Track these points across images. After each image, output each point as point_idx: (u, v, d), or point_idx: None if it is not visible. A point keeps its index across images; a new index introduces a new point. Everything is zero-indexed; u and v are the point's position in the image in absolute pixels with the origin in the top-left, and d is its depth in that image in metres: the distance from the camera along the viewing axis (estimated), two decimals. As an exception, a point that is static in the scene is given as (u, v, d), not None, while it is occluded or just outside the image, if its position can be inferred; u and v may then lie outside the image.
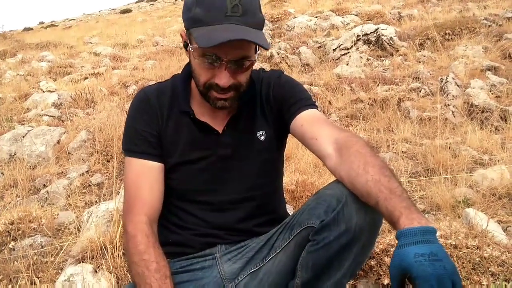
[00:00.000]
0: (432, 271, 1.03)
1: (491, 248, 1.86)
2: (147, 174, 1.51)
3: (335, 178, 1.39)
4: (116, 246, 2.35)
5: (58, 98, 5.96)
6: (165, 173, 1.55)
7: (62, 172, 3.95)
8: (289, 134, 1.62)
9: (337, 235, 1.31)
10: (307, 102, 1.55)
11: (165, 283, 1.36)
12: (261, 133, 1.59)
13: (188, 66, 1.58)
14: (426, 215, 2.51)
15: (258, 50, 1.45)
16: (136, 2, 46.23)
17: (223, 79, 1.37)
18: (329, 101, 4.84)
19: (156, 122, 1.54)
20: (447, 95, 4.35)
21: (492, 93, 4.30)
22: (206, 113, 1.56)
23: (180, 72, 1.64)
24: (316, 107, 1.56)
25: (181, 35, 1.49)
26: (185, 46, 1.46)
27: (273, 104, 1.59)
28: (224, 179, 1.57)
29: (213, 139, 1.55)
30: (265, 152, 1.60)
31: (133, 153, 1.53)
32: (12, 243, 2.75)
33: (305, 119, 1.50)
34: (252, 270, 1.54)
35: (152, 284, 1.35)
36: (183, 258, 1.59)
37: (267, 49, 1.38)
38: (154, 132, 1.53)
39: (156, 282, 1.35)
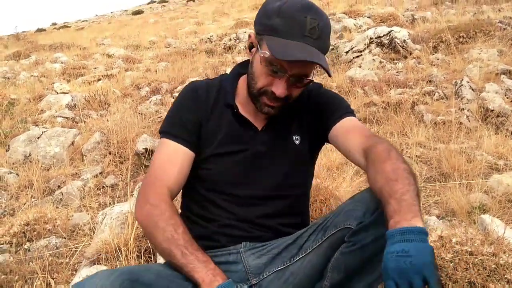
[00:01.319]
0: (394, 266, 1.08)
1: (507, 255, 1.85)
2: (177, 156, 1.56)
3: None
4: (130, 249, 2.36)
5: (72, 99, 6.02)
6: (199, 163, 1.60)
7: (76, 173, 3.99)
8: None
9: (374, 237, 1.33)
10: (343, 110, 1.62)
11: (194, 243, 1.39)
12: (296, 137, 1.66)
13: (238, 67, 1.72)
14: (441, 220, 2.49)
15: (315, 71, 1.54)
16: (148, 3, 46.43)
17: (280, 89, 1.45)
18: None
19: (200, 111, 1.61)
20: (462, 99, 4.32)
21: (507, 98, 4.25)
22: (248, 111, 1.63)
23: (227, 73, 1.75)
24: (352, 114, 1.63)
25: (250, 36, 1.56)
26: (250, 47, 1.55)
27: (312, 111, 1.67)
28: (255, 175, 1.61)
29: (251, 135, 1.61)
30: (298, 155, 1.65)
31: (169, 135, 1.59)
32: (28, 244, 2.79)
33: (339, 131, 1.58)
34: (279, 268, 1.54)
35: (184, 244, 1.36)
36: (207, 251, 1.59)
37: (330, 76, 1.56)
38: (196, 120, 1.60)
39: (187, 242, 1.37)
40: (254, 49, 1.51)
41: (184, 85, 1.74)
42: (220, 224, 1.59)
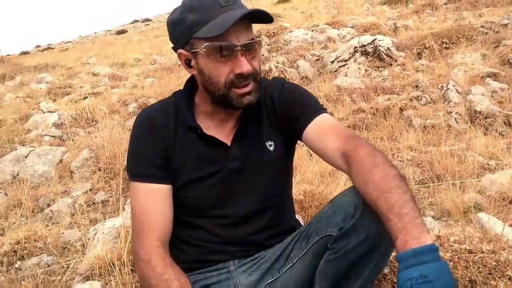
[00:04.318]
0: None
1: (506, 252, 1.84)
2: (155, 198, 1.48)
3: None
4: (124, 263, 2.32)
5: (59, 118, 5.96)
6: (176, 192, 1.52)
7: (66, 191, 3.93)
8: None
9: (357, 242, 1.29)
10: (312, 109, 1.53)
11: None
12: (270, 143, 1.57)
13: (190, 82, 1.58)
14: (437, 221, 2.48)
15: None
16: (131, 23, 46.60)
17: (244, 65, 1.36)
18: (331, 113, 4.84)
19: (162, 142, 1.51)
20: (449, 102, 4.35)
21: (494, 99, 4.30)
22: (212, 127, 1.54)
23: (181, 89, 1.61)
24: (323, 111, 1.53)
25: (179, 55, 1.47)
26: (188, 63, 1.46)
27: (279, 115, 1.57)
28: (236, 192, 1.54)
29: (222, 152, 1.53)
30: (275, 161, 1.58)
31: (138, 177, 1.49)
32: (19, 262, 2.73)
33: (313, 133, 1.48)
34: (269, 281, 1.51)
35: None
36: (196, 272, 1.56)
37: (272, 21, 1.40)
38: (160, 152, 1.50)
39: None
40: (193, 61, 1.43)
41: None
42: (205, 248, 1.55)
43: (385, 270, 1.93)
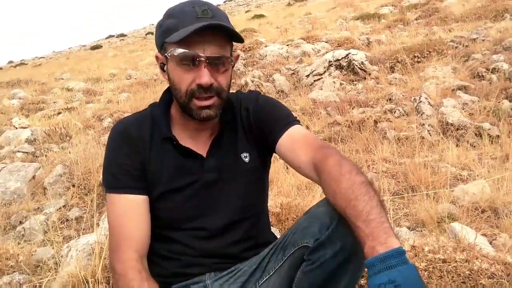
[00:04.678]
0: None
1: (479, 261, 1.87)
2: (132, 209, 1.46)
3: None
4: (98, 280, 2.28)
5: (32, 134, 5.86)
6: (151, 204, 1.50)
7: (39, 207, 3.85)
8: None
9: (333, 253, 1.29)
10: (285, 121, 1.54)
11: None
12: (245, 155, 1.58)
13: (166, 93, 1.58)
14: (412, 232, 2.51)
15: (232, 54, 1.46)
16: (106, 38, 46.33)
17: (204, 77, 1.36)
18: (306, 126, 4.87)
19: (138, 153, 1.50)
20: (421, 114, 4.43)
21: (465, 111, 4.39)
22: (188, 137, 1.54)
23: (157, 101, 1.61)
24: (295, 122, 1.54)
25: (157, 57, 1.49)
26: (162, 67, 1.47)
27: (254, 127, 1.58)
28: (211, 204, 1.54)
29: (198, 164, 1.52)
30: (250, 173, 1.59)
31: (115, 189, 1.47)
32: (-11, 282, 2.65)
33: (285, 145, 1.49)
34: None
35: None
36: (174, 286, 1.54)
37: (242, 41, 1.41)
38: (137, 164, 1.49)
39: None
40: (166, 66, 1.45)
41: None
42: (181, 261, 1.53)
43: (361, 281, 1.94)
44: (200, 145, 1.54)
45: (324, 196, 1.37)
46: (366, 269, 1.11)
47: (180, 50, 1.34)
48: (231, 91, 1.55)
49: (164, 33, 1.40)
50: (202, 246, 1.53)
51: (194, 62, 1.36)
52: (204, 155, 1.53)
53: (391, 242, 1.08)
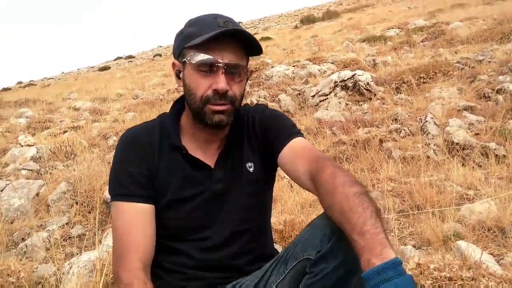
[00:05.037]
0: None
1: (486, 279, 1.83)
2: (139, 218, 1.45)
3: None
4: (99, 297, 2.25)
5: (37, 151, 5.87)
6: (157, 213, 1.50)
7: (41, 225, 3.84)
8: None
9: (335, 265, 1.27)
10: (287, 133, 1.54)
11: None
12: (250, 165, 1.59)
13: (177, 104, 1.60)
14: (417, 250, 2.47)
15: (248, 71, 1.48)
16: (114, 60, 46.85)
17: (221, 83, 1.38)
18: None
19: (147, 161, 1.50)
20: (427, 134, 4.40)
21: (471, 131, 4.36)
22: (197, 148, 1.54)
23: (166, 112, 1.63)
24: (298, 134, 1.55)
25: (173, 64, 1.52)
26: (177, 74, 1.50)
27: (259, 136, 1.60)
28: (216, 215, 1.53)
29: (206, 174, 1.53)
30: (255, 183, 1.59)
31: (122, 196, 1.46)
32: (-11, 298, 2.63)
33: (286, 157, 1.50)
34: None
35: None
36: None
37: (260, 53, 1.44)
38: (145, 172, 1.48)
39: None
40: (182, 72, 1.47)
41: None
42: (183, 274, 1.52)
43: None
44: (208, 156, 1.55)
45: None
46: None
47: (199, 55, 1.37)
48: None
49: (184, 40, 1.43)
50: (205, 257, 1.51)
51: (212, 68, 1.39)
52: (212, 166, 1.54)
53: (387, 253, 1.07)
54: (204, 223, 1.52)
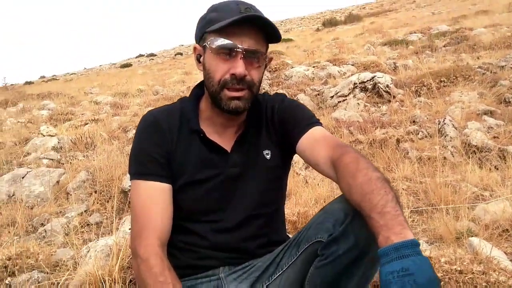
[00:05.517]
0: None
1: (497, 273, 1.84)
2: (157, 197, 1.50)
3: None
4: (115, 279, 2.30)
5: (58, 142, 5.98)
6: (174, 194, 1.54)
7: (61, 211, 3.92)
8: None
9: (346, 249, 1.30)
10: (306, 122, 1.57)
11: None
12: (267, 152, 1.62)
13: (196, 88, 1.65)
14: (430, 246, 2.48)
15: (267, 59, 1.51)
16: (136, 57, 47.25)
17: (239, 67, 1.41)
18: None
19: (166, 143, 1.55)
20: (445, 136, 4.39)
21: (489, 134, 4.33)
22: (215, 132, 1.59)
23: (187, 96, 1.68)
24: (317, 123, 1.58)
25: (195, 48, 1.56)
26: (198, 58, 1.54)
27: (277, 126, 1.63)
28: (230, 199, 1.57)
29: (222, 158, 1.57)
30: (271, 170, 1.62)
31: (142, 175, 1.52)
32: (9, 278, 2.70)
33: (305, 144, 1.52)
34: None
35: None
36: (187, 278, 1.57)
37: (279, 40, 1.47)
38: (164, 153, 1.53)
39: None
40: (202, 56, 1.51)
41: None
42: (196, 253, 1.56)
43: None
44: (225, 140, 1.59)
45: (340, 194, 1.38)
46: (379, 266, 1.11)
47: (219, 39, 1.41)
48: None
49: (206, 24, 1.47)
50: (217, 239, 1.55)
51: (231, 53, 1.42)
52: (229, 150, 1.58)
53: (406, 233, 1.09)
54: (218, 206, 1.56)
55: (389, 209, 1.13)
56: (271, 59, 1.57)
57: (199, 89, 1.63)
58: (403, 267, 1.03)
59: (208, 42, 1.44)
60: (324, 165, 1.44)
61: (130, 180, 1.56)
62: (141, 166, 1.52)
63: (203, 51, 1.50)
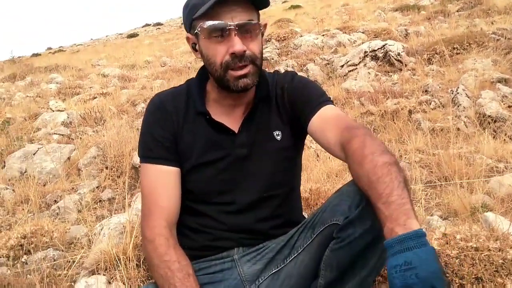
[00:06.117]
0: (400, 283, 1.02)
1: (514, 250, 1.82)
2: (164, 179, 1.51)
3: None
4: (129, 257, 2.32)
5: (68, 117, 6.00)
6: (182, 177, 1.55)
7: (73, 188, 3.95)
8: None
9: (362, 231, 1.29)
10: (317, 101, 1.53)
11: (189, 281, 1.35)
12: (277, 133, 1.59)
13: (202, 69, 1.61)
14: (443, 220, 2.46)
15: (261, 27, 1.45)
16: (142, 27, 46.87)
17: (236, 45, 1.37)
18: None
19: (172, 126, 1.54)
20: (458, 106, 4.32)
21: (504, 104, 4.26)
22: (222, 113, 1.56)
23: (193, 77, 1.65)
24: (328, 102, 1.54)
25: (187, 38, 1.52)
26: (193, 47, 1.50)
27: (288, 105, 1.59)
28: (241, 180, 1.56)
29: (230, 139, 1.55)
30: (282, 151, 1.59)
31: (149, 158, 1.53)
32: (25, 256, 2.74)
33: (316, 125, 1.50)
34: (273, 271, 1.51)
35: (176, 284, 1.34)
36: (201, 260, 1.57)
37: (267, 5, 1.41)
38: (171, 136, 1.53)
39: (180, 281, 1.35)
40: (197, 44, 1.48)
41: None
42: (210, 235, 1.56)
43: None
44: (233, 121, 1.56)
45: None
46: None
47: (209, 22, 1.36)
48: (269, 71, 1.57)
49: (191, 11, 1.42)
50: (230, 221, 1.55)
51: (224, 32, 1.37)
52: (236, 131, 1.55)
53: (411, 224, 1.07)
54: (228, 187, 1.55)
55: (395, 198, 1.12)
56: (265, 25, 1.51)
57: (205, 70, 1.59)
58: (406, 260, 1.02)
59: (199, 29, 1.40)
60: (335, 149, 1.43)
61: (140, 163, 1.58)
62: (147, 150, 1.55)
63: (196, 39, 1.46)
